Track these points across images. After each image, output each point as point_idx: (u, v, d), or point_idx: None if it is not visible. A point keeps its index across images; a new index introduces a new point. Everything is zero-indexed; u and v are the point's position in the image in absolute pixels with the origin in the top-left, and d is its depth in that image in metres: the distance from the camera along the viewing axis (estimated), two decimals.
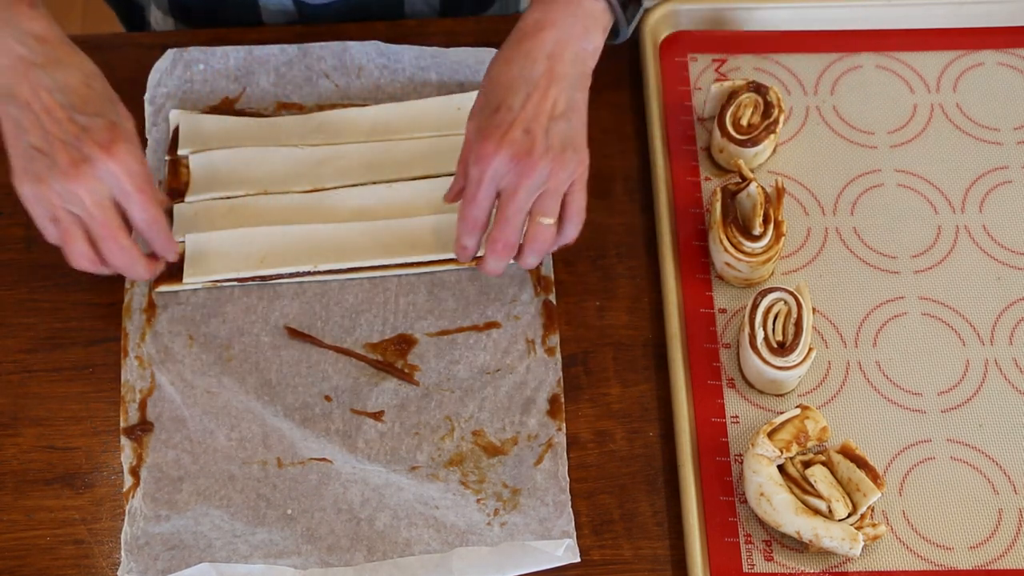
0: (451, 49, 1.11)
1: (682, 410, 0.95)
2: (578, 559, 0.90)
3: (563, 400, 0.96)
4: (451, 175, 1.05)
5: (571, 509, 0.91)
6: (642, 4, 0.97)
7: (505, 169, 0.89)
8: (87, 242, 0.89)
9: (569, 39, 0.91)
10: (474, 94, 1.08)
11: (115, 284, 1.00)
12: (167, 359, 0.97)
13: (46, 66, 0.86)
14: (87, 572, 0.91)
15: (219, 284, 1.00)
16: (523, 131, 0.88)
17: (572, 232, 0.94)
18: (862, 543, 0.87)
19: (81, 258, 0.90)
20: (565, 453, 0.94)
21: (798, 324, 0.94)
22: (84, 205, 0.86)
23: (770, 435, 0.90)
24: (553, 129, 0.89)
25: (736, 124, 1.04)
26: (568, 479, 0.93)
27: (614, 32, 0.97)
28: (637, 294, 1.02)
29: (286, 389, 0.96)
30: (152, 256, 0.95)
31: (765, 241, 0.98)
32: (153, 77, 1.10)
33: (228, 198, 1.04)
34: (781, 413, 0.92)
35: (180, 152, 1.06)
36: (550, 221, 0.92)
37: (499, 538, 0.90)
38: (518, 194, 0.89)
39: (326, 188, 1.05)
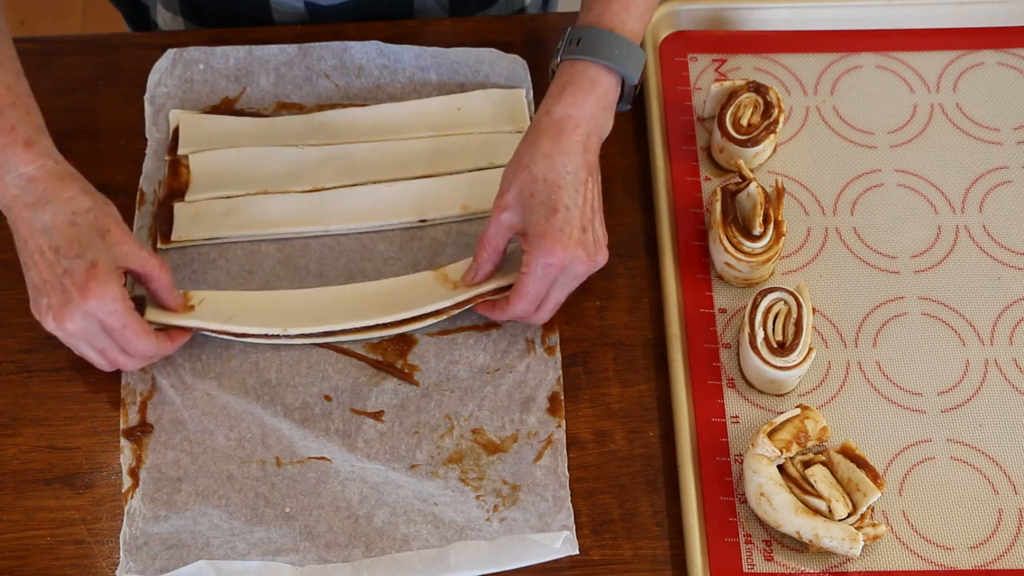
0: (451, 49, 1.11)
1: (682, 410, 0.95)
2: (576, 551, 0.90)
3: (563, 398, 0.96)
4: (452, 174, 1.06)
5: (571, 505, 0.91)
6: (638, 86, 0.99)
7: (571, 269, 0.92)
8: (101, 356, 0.93)
9: (597, 128, 0.95)
10: (474, 94, 1.09)
11: None
12: (167, 361, 0.97)
13: (36, 206, 0.88)
14: (87, 572, 0.91)
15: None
16: (581, 230, 0.92)
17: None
18: (862, 543, 0.87)
19: (105, 367, 0.94)
20: (565, 450, 0.94)
21: (798, 324, 0.94)
22: (78, 336, 0.90)
23: (770, 435, 0.90)
24: (596, 223, 0.94)
25: (736, 124, 1.04)
26: (568, 475, 0.93)
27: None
28: (637, 294, 1.02)
29: (286, 389, 0.97)
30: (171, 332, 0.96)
31: (765, 241, 0.98)
32: (153, 77, 1.10)
33: (228, 198, 1.04)
34: (781, 413, 0.92)
35: (180, 152, 1.06)
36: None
37: (498, 533, 0.90)
38: (571, 287, 0.94)
39: (326, 188, 1.05)
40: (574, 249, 0.91)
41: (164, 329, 0.95)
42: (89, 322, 0.89)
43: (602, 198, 0.96)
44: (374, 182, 1.05)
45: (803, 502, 0.89)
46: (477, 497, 0.92)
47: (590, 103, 0.94)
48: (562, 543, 0.89)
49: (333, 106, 1.09)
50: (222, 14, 1.17)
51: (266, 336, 0.97)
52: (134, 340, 0.91)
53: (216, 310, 0.96)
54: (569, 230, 0.91)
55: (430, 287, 0.98)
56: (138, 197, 1.05)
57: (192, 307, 0.96)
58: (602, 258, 0.94)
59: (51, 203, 0.88)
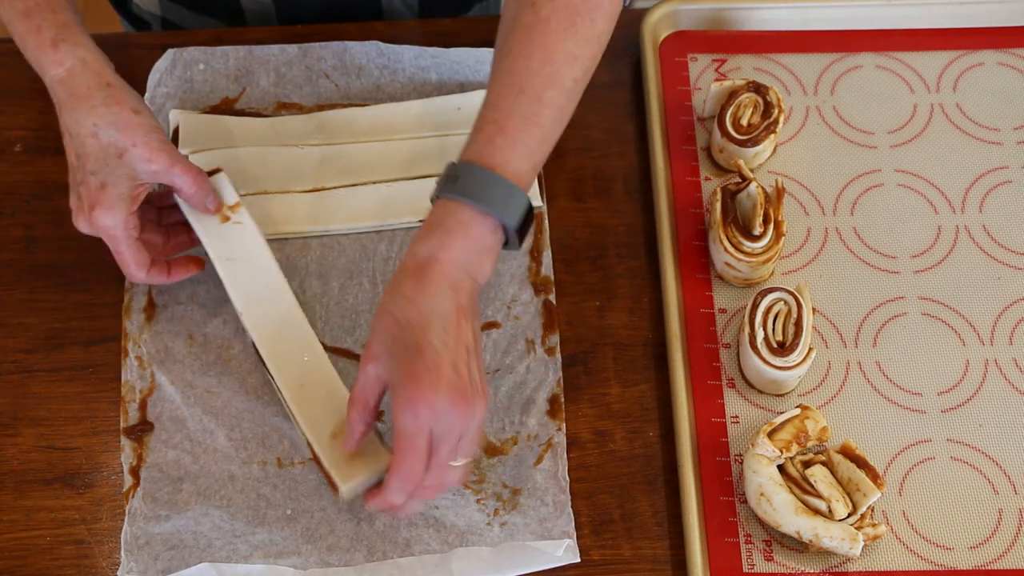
0: (451, 49, 1.11)
1: (682, 410, 0.95)
2: (578, 559, 0.90)
3: (563, 400, 0.96)
4: None
5: (571, 509, 0.91)
6: (533, 223, 0.91)
7: (443, 415, 0.80)
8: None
9: (469, 273, 0.84)
10: (474, 94, 1.09)
11: (115, 284, 1.00)
12: (167, 359, 0.97)
13: (65, 110, 0.90)
14: (87, 572, 0.91)
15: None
16: (453, 370, 0.81)
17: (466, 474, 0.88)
18: (862, 543, 0.87)
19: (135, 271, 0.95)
20: (565, 453, 0.94)
21: (798, 324, 0.94)
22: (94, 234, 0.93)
23: (770, 435, 0.90)
24: (472, 366, 0.83)
25: (736, 124, 1.04)
26: (568, 479, 0.93)
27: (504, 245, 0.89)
28: (637, 294, 1.02)
29: None
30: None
31: (765, 241, 0.98)
32: (153, 77, 1.10)
33: None
34: (781, 413, 0.92)
35: (180, 152, 1.06)
36: (463, 462, 0.85)
37: (499, 538, 0.90)
38: (451, 439, 0.82)
39: (326, 188, 1.05)
40: (443, 391, 0.79)
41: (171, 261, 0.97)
42: (95, 232, 0.91)
43: (480, 345, 0.85)
44: (374, 182, 1.05)
45: (803, 502, 0.89)
46: (478, 501, 0.92)
47: (458, 247, 0.83)
48: (564, 551, 0.89)
49: (333, 106, 1.09)
50: None
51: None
52: (125, 266, 0.93)
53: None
54: (437, 372, 0.80)
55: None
56: None
57: (227, 217, 0.97)
58: (482, 404, 0.82)
59: (76, 110, 0.89)
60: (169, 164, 0.91)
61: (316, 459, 0.92)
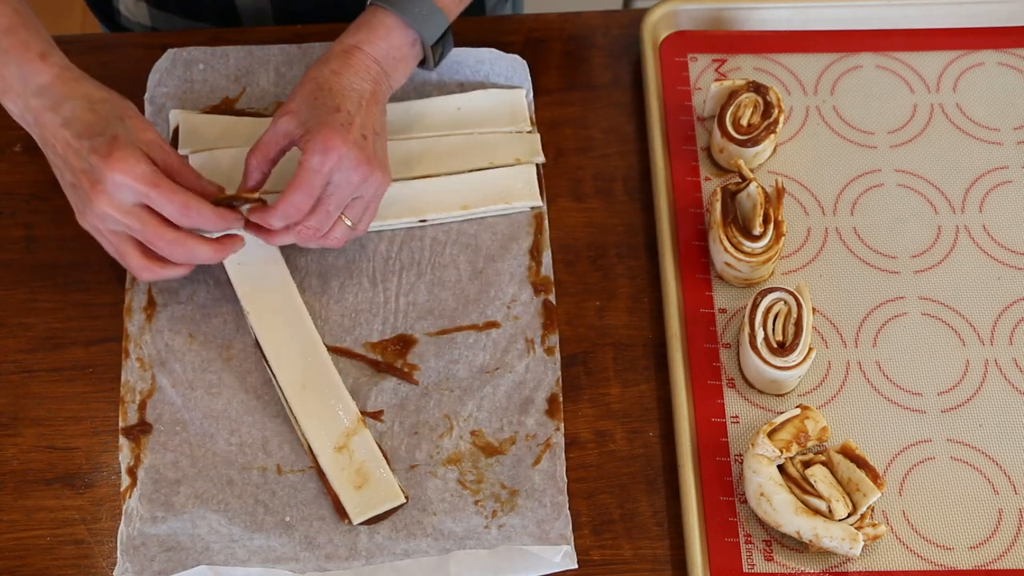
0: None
1: (682, 410, 0.95)
2: (575, 565, 0.90)
3: (562, 400, 0.96)
4: (452, 174, 1.06)
5: (568, 512, 0.91)
6: (452, 46, 1.03)
7: (346, 167, 0.91)
8: (141, 253, 0.92)
9: (386, 72, 0.97)
10: (474, 94, 1.09)
11: (115, 284, 1.01)
12: (168, 356, 0.97)
13: (55, 107, 0.90)
14: (87, 572, 0.91)
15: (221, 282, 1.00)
16: (361, 135, 0.92)
17: (355, 235, 0.97)
18: (862, 543, 0.87)
19: (141, 271, 0.93)
20: (563, 453, 0.94)
21: (798, 324, 0.94)
22: (116, 219, 0.89)
23: (770, 435, 0.90)
24: (377, 144, 0.94)
25: (736, 124, 1.04)
26: (566, 480, 0.93)
27: (421, 63, 1.02)
28: (637, 294, 1.02)
29: None
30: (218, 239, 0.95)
31: (765, 241, 0.98)
32: (153, 77, 1.10)
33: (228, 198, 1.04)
34: (781, 413, 0.92)
35: (180, 152, 1.06)
36: (351, 224, 0.95)
37: (497, 541, 0.90)
38: (345, 192, 0.93)
39: None
40: (351, 145, 0.91)
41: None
42: (123, 193, 0.88)
43: (385, 133, 0.97)
44: None
45: (803, 502, 0.89)
46: (476, 502, 0.92)
47: (380, 45, 0.96)
48: (562, 557, 0.89)
49: None
50: (186, 1, 1.17)
51: None
52: (170, 202, 0.88)
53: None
54: (348, 127, 0.91)
55: None
56: None
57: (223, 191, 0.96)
58: (381, 176, 0.94)
59: (69, 99, 0.90)
60: (160, 138, 0.91)
61: (319, 469, 0.93)
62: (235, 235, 0.95)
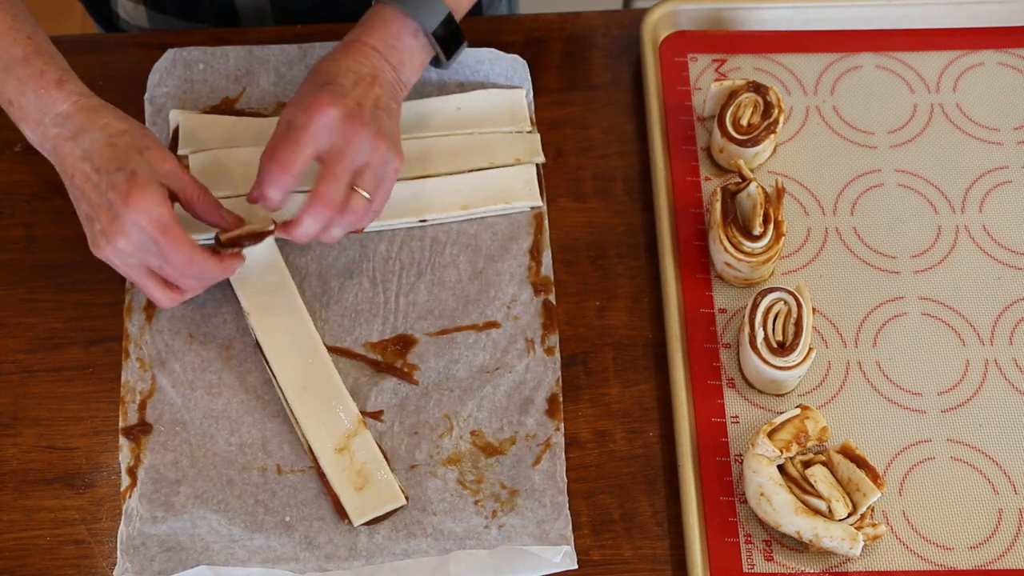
0: None
1: (682, 410, 0.95)
2: (575, 566, 0.90)
3: (561, 400, 0.96)
4: (452, 174, 1.06)
5: (568, 512, 0.91)
6: (464, 43, 1.02)
7: (335, 125, 0.90)
8: (162, 284, 0.92)
9: (385, 61, 0.96)
10: (474, 94, 1.09)
11: (115, 284, 1.01)
12: (168, 356, 0.97)
13: (74, 138, 0.90)
14: (87, 572, 0.91)
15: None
16: (356, 103, 0.92)
17: (372, 218, 0.96)
18: (862, 543, 0.87)
19: (164, 301, 0.93)
20: (563, 454, 0.94)
21: (798, 324, 0.94)
22: (132, 253, 0.90)
23: (770, 435, 0.90)
24: (378, 115, 0.93)
25: (736, 124, 1.04)
26: (566, 480, 0.93)
27: (434, 62, 1.02)
28: (637, 294, 1.02)
29: None
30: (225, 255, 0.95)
31: (765, 241, 0.98)
32: (153, 77, 1.10)
33: (228, 198, 1.04)
34: (781, 413, 0.92)
35: (180, 152, 1.06)
36: (368, 195, 0.93)
37: (497, 541, 0.90)
38: (346, 154, 0.91)
39: None
40: (340, 106, 0.90)
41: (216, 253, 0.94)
42: (139, 233, 0.88)
43: (398, 116, 0.96)
44: None
45: (803, 502, 0.89)
46: (476, 502, 0.92)
47: (378, 35, 0.96)
48: (562, 558, 0.89)
49: None
50: (184, 3, 1.17)
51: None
52: (176, 251, 0.89)
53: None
54: (339, 94, 0.91)
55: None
56: None
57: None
58: (384, 143, 0.92)
59: (88, 131, 0.90)
60: (180, 167, 0.92)
61: (319, 470, 0.93)
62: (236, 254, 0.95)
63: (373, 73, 0.95)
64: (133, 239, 0.88)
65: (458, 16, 1.00)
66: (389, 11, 0.97)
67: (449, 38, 1.00)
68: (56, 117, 0.91)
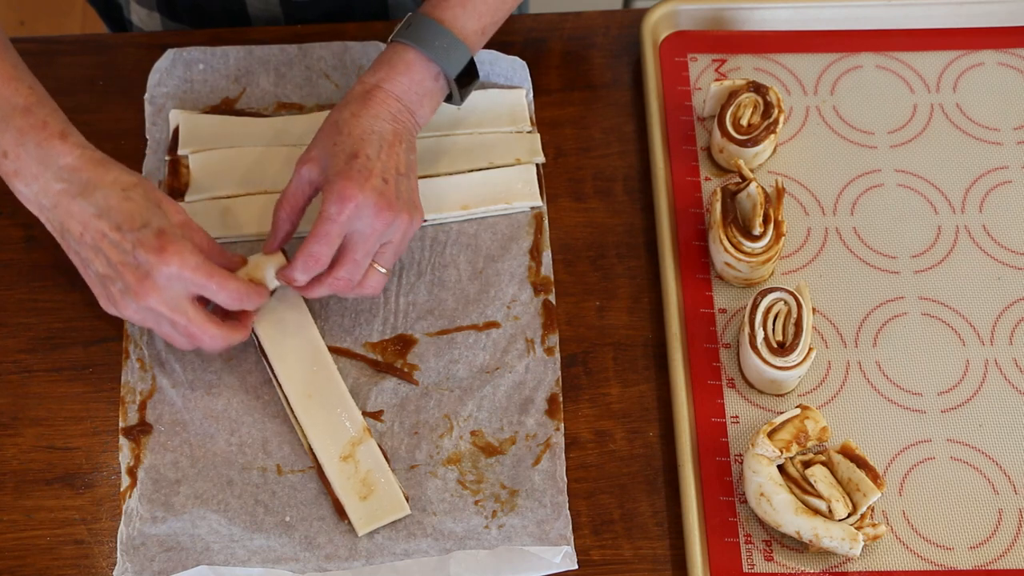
0: None
1: (682, 410, 0.95)
2: (575, 566, 0.90)
3: (562, 400, 0.96)
4: (452, 174, 1.06)
5: (568, 512, 0.91)
6: (478, 79, 1.00)
7: (365, 215, 0.90)
8: (186, 336, 0.91)
9: (409, 108, 0.95)
10: (474, 94, 1.09)
11: None
12: (168, 356, 0.97)
13: (83, 194, 0.88)
14: (87, 572, 0.91)
15: None
16: (382, 180, 0.91)
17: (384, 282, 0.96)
18: (862, 543, 0.87)
19: (186, 346, 0.93)
20: (563, 454, 0.94)
21: (798, 324, 0.94)
22: (163, 315, 0.89)
23: (770, 435, 0.90)
24: (402, 185, 0.92)
25: (736, 124, 1.04)
26: (566, 480, 0.93)
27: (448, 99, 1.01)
28: (637, 294, 1.02)
29: None
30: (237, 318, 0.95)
31: (765, 241, 0.98)
32: (153, 77, 1.10)
33: (228, 198, 1.04)
34: (781, 413, 0.92)
35: (180, 152, 1.06)
36: (385, 271, 0.94)
37: (497, 541, 0.90)
38: (370, 240, 0.91)
39: None
40: (369, 192, 0.89)
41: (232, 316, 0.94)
42: (180, 285, 0.87)
43: (415, 173, 0.95)
44: None
45: (803, 502, 0.89)
46: (476, 503, 0.92)
47: (401, 82, 0.95)
48: (562, 558, 0.89)
49: (333, 106, 1.09)
50: (196, 8, 1.17)
51: None
52: (223, 289, 0.88)
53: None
54: (367, 174, 0.90)
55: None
56: None
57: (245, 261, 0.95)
58: (407, 217, 0.92)
59: (99, 187, 0.88)
60: (188, 216, 0.91)
61: (319, 471, 0.93)
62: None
63: (395, 130, 0.94)
64: (167, 295, 0.87)
65: (474, 54, 0.98)
66: (412, 55, 0.95)
67: (463, 75, 0.98)
68: (60, 170, 0.88)
